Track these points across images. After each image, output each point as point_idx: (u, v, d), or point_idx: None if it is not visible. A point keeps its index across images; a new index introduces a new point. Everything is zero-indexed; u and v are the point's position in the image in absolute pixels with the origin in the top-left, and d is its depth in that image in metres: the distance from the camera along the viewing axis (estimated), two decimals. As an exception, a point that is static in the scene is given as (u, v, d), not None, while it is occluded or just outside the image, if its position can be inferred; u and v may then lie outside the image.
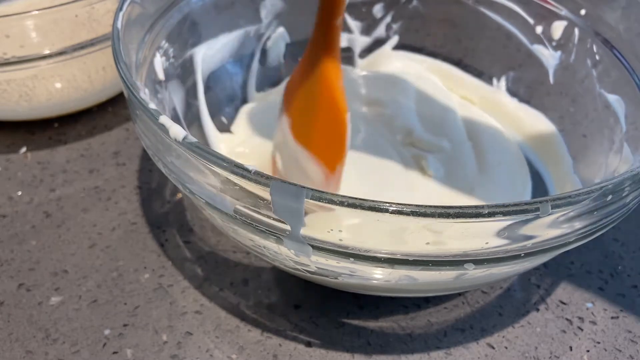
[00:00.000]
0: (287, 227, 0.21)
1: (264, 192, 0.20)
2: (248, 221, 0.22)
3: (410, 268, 0.22)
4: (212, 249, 0.32)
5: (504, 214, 0.20)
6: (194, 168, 0.22)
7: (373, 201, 0.19)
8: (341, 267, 0.23)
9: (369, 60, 0.42)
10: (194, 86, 0.36)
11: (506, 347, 0.28)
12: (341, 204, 0.20)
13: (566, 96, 0.35)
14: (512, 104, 0.38)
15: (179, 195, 0.34)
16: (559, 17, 0.35)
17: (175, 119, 0.33)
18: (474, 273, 0.23)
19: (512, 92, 0.39)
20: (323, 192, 0.20)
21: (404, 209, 0.19)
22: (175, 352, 0.27)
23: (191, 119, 0.35)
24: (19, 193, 0.35)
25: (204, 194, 0.23)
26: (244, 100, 0.39)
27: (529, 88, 0.38)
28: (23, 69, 0.34)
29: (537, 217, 0.20)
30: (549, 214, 0.20)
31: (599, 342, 0.28)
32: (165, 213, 0.33)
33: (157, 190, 0.35)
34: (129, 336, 0.28)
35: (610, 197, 0.21)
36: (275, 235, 0.22)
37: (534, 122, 0.36)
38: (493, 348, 0.28)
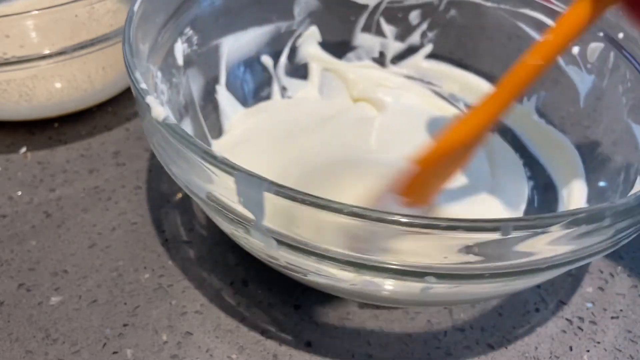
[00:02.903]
0: (253, 217, 0.22)
1: (230, 180, 0.21)
2: (219, 208, 0.23)
3: (369, 273, 0.22)
4: (212, 249, 0.32)
5: (463, 229, 0.19)
6: (174, 150, 0.23)
7: (329, 200, 0.19)
8: (307, 264, 0.23)
9: (401, 67, 0.42)
10: (216, 76, 0.36)
11: (506, 347, 0.28)
12: (295, 199, 0.20)
13: (593, 121, 0.34)
14: (541, 124, 0.37)
15: (179, 195, 0.34)
16: (596, 39, 0.33)
17: (190, 105, 0.34)
18: (440, 287, 0.23)
19: (540, 112, 0.37)
20: (282, 186, 0.20)
21: (358, 211, 0.19)
22: (175, 352, 0.27)
23: (211, 109, 0.36)
24: (19, 193, 0.35)
25: (183, 177, 0.24)
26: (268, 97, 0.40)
27: (557, 110, 0.36)
28: (23, 69, 0.34)
29: (499, 237, 0.19)
30: (510, 236, 0.19)
31: (599, 342, 0.28)
32: (165, 213, 0.33)
33: (157, 190, 0.35)
34: (129, 336, 0.28)
35: (584, 226, 0.20)
36: (242, 225, 0.22)
37: (559, 145, 0.35)
38: (493, 348, 0.28)
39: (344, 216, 0.19)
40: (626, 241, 0.23)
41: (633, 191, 0.28)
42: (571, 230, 0.20)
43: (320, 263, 0.22)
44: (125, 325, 0.28)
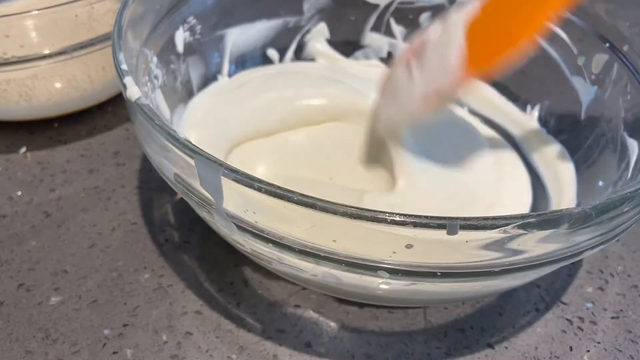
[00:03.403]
0: (214, 200, 0.22)
1: (191, 162, 0.21)
2: (185, 189, 0.23)
3: (326, 264, 0.22)
4: (212, 249, 0.32)
5: (411, 225, 0.19)
6: (146, 131, 0.24)
7: (279, 187, 0.20)
8: (268, 252, 0.23)
9: None
10: (217, 65, 0.37)
11: (506, 347, 0.28)
12: (251, 186, 0.20)
13: (591, 132, 0.34)
14: (542, 133, 0.37)
15: (179, 195, 0.34)
16: (602, 50, 0.33)
17: (189, 91, 0.35)
18: (396, 284, 0.23)
19: (542, 121, 0.37)
20: (239, 172, 0.20)
21: (307, 200, 0.19)
22: (175, 352, 0.27)
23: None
24: (19, 193, 0.35)
25: (155, 158, 0.25)
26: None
27: (559, 119, 0.36)
28: (23, 69, 0.34)
29: (446, 236, 0.19)
30: (456, 235, 0.19)
31: (599, 342, 0.28)
32: (165, 213, 0.33)
33: (157, 190, 0.35)
34: (129, 336, 0.28)
35: (536, 232, 0.20)
36: (205, 208, 0.23)
37: (555, 155, 0.35)
38: (493, 348, 0.28)
39: (293, 205, 0.20)
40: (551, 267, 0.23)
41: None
42: (522, 233, 0.20)
43: (280, 251, 0.22)
44: (125, 325, 0.28)
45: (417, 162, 0.32)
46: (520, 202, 0.33)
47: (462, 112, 0.39)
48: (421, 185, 0.31)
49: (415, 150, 0.33)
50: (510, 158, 0.36)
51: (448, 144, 0.35)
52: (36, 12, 0.33)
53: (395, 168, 0.32)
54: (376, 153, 0.34)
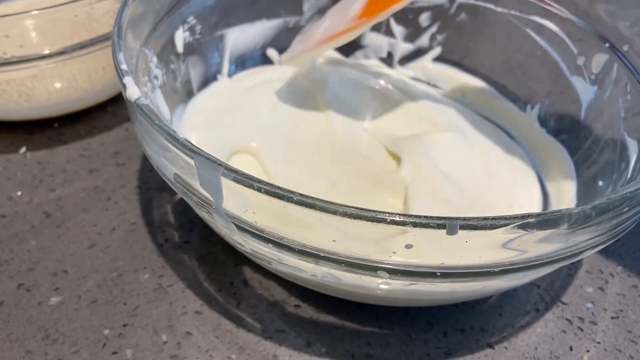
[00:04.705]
0: (213, 201, 0.22)
1: (191, 162, 0.21)
2: (185, 190, 0.23)
3: (325, 264, 0.22)
4: (212, 249, 0.32)
5: (410, 224, 0.19)
6: (145, 130, 0.24)
7: (279, 187, 0.20)
8: (268, 252, 0.23)
9: (408, 69, 0.42)
10: (217, 65, 0.37)
11: (506, 347, 0.28)
12: (244, 184, 0.20)
13: (591, 133, 0.34)
14: (542, 133, 0.37)
15: (179, 195, 0.34)
16: (602, 50, 0.33)
17: (189, 91, 0.35)
18: (396, 284, 0.23)
19: (542, 121, 0.37)
20: (238, 172, 0.20)
21: (307, 201, 0.19)
22: (175, 352, 0.27)
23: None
24: (19, 193, 0.35)
25: (154, 158, 0.25)
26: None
27: (559, 119, 0.36)
28: (23, 69, 0.34)
29: (445, 235, 0.19)
30: (456, 235, 0.19)
31: (599, 342, 0.28)
32: (165, 213, 0.33)
33: (157, 190, 0.35)
34: (128, 336, 0.28)
35: (536, 231, 0.20)
36: (205, 208, 0.23)
37: (555, 155, 0.35)
38: (493, 348, 0.28)
39: (293, 205, 0.20)
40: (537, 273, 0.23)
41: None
42: (522, 234, 0.20)
43: (280, 252, 0.22)
44: (125, 325, 0.28)
45: (433, 168, 0.33)
46: (533, 202, 0.33)
47: (463, 112, 0.39)
48: (439, 192, 0.31)
49: (429, 156, 0.33)
50: (519, 158, 0.36)
51: (461, 146, 0.35)
52: (36, 12, 0.33)
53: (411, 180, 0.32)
54: (388, 161, 0.34)
